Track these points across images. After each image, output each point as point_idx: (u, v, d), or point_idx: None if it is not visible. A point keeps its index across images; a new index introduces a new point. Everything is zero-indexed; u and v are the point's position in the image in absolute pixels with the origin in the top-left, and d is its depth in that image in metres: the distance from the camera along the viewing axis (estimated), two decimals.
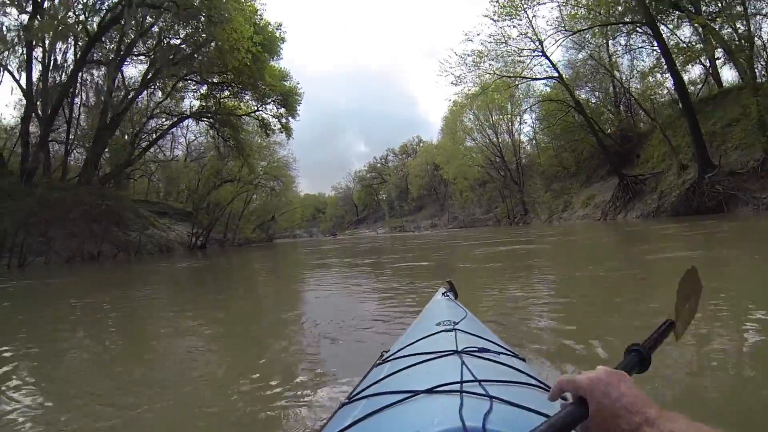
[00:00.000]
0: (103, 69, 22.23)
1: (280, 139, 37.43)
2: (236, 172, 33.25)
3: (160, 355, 3.17)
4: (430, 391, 0.71)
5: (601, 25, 20.85)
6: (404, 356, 1.01)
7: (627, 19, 20.01)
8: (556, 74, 24.78)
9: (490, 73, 24.60)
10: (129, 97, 23.52)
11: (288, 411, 1.83)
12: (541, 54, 23.70)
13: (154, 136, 28.19)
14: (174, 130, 31.82)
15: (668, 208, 18.53)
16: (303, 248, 23.83)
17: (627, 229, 14.34)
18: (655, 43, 19.30)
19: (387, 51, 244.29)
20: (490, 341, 1.11)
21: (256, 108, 30.95)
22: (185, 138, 37.22)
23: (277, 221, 41.08)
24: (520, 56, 23.78)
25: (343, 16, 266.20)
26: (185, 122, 30.72)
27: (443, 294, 1.86)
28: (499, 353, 1.00)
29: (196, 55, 22.62)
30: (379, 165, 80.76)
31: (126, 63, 23.43)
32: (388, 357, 1.11)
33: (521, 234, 18.66)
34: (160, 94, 26.51)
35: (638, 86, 26.40)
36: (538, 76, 25.54)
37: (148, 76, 23.06)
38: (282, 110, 31.28)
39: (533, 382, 0.85)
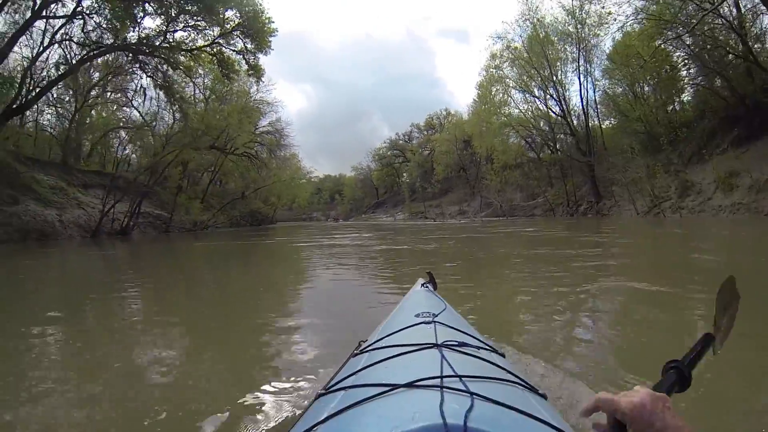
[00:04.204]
0: None
1: (271, 99, 29.48)
2: (221, 138, 24.71)
3: None
4: (409, 385, 0.69)
5: None
6: (382, 347, 0.98)
7: None
8: None
9: None
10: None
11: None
12: None
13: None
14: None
15: None
16: (264, 241, 14.66)
17: None
18: None
19: (400, 24, 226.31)
20: (470, 335, 1.09)
21: (213, 39, 21.60)
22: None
23: (246, 198, 31.53)
24: None
25: None
26: None
27: (422, 285, 1.82)
28: (478, 348, 0.98)
29: None
30: (401, 141, 70.34)
31: None
32: (365, 347, 1.09)
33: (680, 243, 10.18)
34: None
35: None
36: None
37: None
38: (249, 45, 22.05)
39: (513, 379, 0.83)
